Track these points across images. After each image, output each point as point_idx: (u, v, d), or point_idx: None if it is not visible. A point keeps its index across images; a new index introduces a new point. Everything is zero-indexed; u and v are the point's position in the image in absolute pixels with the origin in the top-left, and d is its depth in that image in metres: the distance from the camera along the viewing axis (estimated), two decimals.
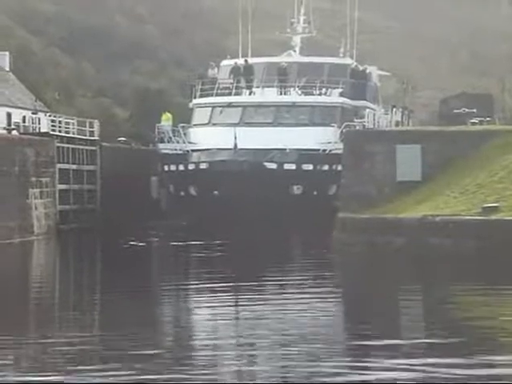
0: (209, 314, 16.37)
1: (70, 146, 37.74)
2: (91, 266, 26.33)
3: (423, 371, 10.99)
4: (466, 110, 34.35)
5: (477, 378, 10.67)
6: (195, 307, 17.68)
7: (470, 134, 30.74)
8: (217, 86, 39.56)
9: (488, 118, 35.19)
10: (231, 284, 20.36)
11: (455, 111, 34.22)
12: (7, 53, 42.77)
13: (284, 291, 19.10)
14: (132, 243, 30.84)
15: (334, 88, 39.08)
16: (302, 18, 43.76)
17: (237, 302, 18.15)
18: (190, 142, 37.90)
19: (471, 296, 18.05)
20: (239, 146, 34.72)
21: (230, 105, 38.73)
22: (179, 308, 17.58)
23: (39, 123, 37.98)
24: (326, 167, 36.05)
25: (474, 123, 33.59)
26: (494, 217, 24.78)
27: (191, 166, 36.55)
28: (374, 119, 37.37)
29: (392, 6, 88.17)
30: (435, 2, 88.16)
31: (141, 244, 31.01)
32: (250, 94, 39.17)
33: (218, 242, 30.20)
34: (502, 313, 15.82)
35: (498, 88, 49.09)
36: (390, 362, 11.50)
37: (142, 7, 79.55)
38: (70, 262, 27.98)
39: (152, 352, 12.33)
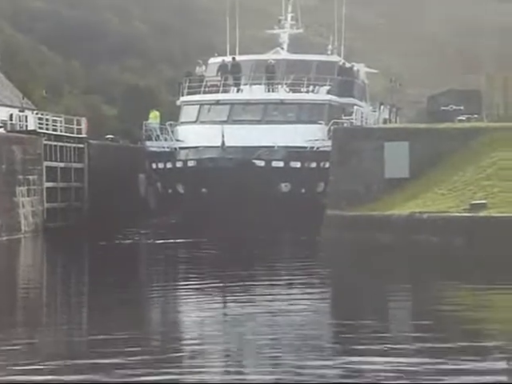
0: (195, 313, 16.33)
1: (58, 143, 37.58)
2: (78, 265, 26.23)
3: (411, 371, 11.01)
4: (454, 107, 34.38)
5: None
6: (182, 306, 17.63)
7: (457, 131, 30.80)
8: (204, 83, 39.49)
9: (476, 115, 35.23)
10: (219, 282, 20.31)
11: (443, 108, 34.24)
12: None
13: (271, 290, 19.05)
14: (119, 241, 30.76)
15: (322, 85, 39.07)
16: (289, 16, 43.70)
17: (225, 300, 18.12)
18: (177, 140, 37.81)
19: (459, 292, 18.07)
20: (227, 144, 34.66)
21: (217, 102, 38.66)
22: (166, 307, 17.52)
23: (26, 121, 37.79)
24: (313, 165, 36.03)
25: (461, 120, 33.63)
26: (481, 214, 24.84)
27: (179, 164, 36.46)
28: (361, 117, 37.37)
29: (380, 3, 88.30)
30: (423, 0, 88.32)
31: (128, 242, 30.92)
32: (237, 91, 39.12)
33: (205, 239, 30.16)
34: (489, 308, 15.86)
35: (486, 85, 49.18)
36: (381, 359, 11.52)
37: (131, 4, 79.36)
38: (57, 260, 27.87)
39: (139, 351, 12.28)
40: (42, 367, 11.48)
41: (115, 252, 28.48)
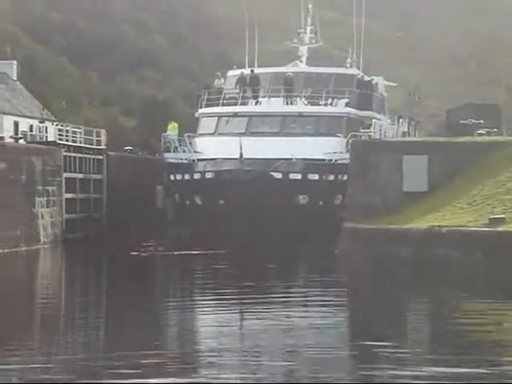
0: (212, 326, 16.31)
1: (77, 155, 37.78)
2: (97, 276, 26.30)
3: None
4: (473, 120, 34.20)
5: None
6: (200, 319, 17.61)
7: (476, 144, 30.67)
8: (223, 95, 39.59)
9: (495, 129, 35.04)
10: (237, 296, 20.29)
11: (462, 122, 34.07)
12: (14, 62, 42.90)
13: (289, 304, 19.00)
14: (138, 252, 30.82)
15: (341, 98, 39.05)
16: (308, 29, 43.77)
17: (242, 312, 18.09)
18: (195, 152, 37.89)
19: (478, 306, 17.96)
20: (245, 156, 34.69)
21: (236, 114, 38.73)
22: (183, 320, 17.51)
23: (46, 132, 38.05)
24: (331, 177, 35.98)
25: (480, 134, 33.47)
26: (500, 228, 24.69)
27: (197, 176, 36.52)
28: (380, 130, 37.31)
29: (399, 16, 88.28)
30: (442, 13, 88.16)
31: (146, 253, 30.98)
32: (256, 103, 39.19)
33: (223, 251, 30.15)
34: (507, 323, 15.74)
35: (505, 98, 48.99)
36: (394, 372, 11.45)
37: (149, 17, 79.79)
38: (76, 271, 27.95)
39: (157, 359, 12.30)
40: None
41: (133, 263, 28.53)
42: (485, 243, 24.34)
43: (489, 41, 78.97)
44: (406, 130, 41.98)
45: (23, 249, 31.51)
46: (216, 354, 13.20)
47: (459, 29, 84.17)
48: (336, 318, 17.12)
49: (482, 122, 34.26)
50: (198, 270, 26.87)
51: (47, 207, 34.05)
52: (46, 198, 34.00)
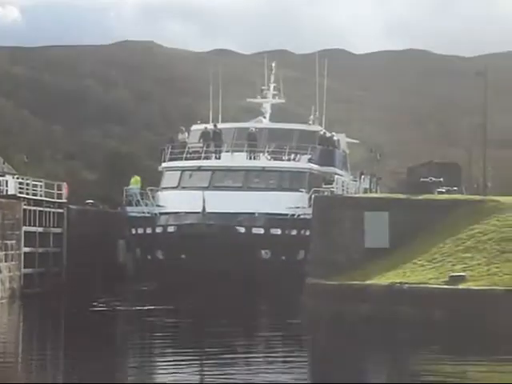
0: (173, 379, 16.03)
1: (37, 208, 37.36)
2: (55, 332, 25.80)
3: None
4: (433, 178, 34.58)
5: None
6: (160, 374, 17.30)
7: (437, 202, 30.95)
8: (186, 150, 39.68)
9: (455, 188, 35.45)
10: (197, 351, 20.01)
11: (422, 180, 34.44)
12: None
13: (249, 356, 18.77)
14: (97, 308, 30.35)
15: (303, 154, 39.37)
16: (272, 86, 44.31)
17: (201, 368, 17.82)
18: (158, 206, 37.76)
19: (436, 365, 17.89)
20: (207, 210, 34.63)
21: (199, 168, 38.80)
22: (143, 372, 17.19)
23: (6, 185, 37.61)
24: (294, 232, 36.02)
25: (441, 192, 33.82)
26: (461, 286, 24.80)
27: (159, 230, 36.32)
28: (342, 185, 37.59)
29: (362, 76, 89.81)
30: (404, 74, 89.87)
31: (105, 309, 30.52)
32: (219, 158, 39.32)
33: (184, 307, 29.80)
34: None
35: (465, 158, 49.74)
36: None
37: (114, 72, 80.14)
38: (34, 327, 27.40)
39: None
40: None
41: (91, 319, 28.07)
42: (445, 301, 24.39)
43: (447, 101, 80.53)
44: (367, 186, 42.33)
45: None
46: None
47: (420, 89, 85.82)
48: (295, 375, 16.94)
49: (442, 180, 34.65)
50: (158, 326, 26.50)
51: (5, 261, 33.50)
52: (4, 252, 33.45)
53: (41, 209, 37.64)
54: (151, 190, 38.41)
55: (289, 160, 39.06)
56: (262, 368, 17.41)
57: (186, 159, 39.32)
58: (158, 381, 16.74)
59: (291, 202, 36.57)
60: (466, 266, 26.06)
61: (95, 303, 31.22)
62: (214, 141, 39.66)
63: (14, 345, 22.58)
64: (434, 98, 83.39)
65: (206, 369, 17.66)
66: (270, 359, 18.90)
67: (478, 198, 32.18)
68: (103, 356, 19.27)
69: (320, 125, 43.07)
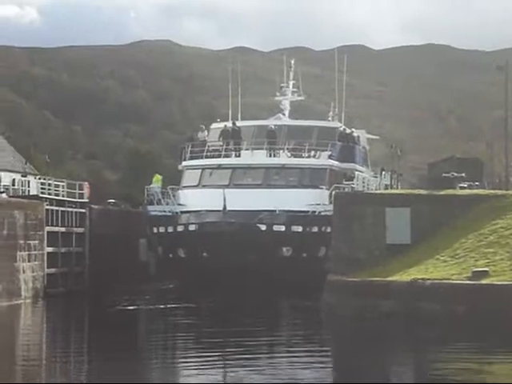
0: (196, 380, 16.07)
1: (59, 208, 37.59)
2: (79, 331, 25.94)
3: None
4: (455, 174, 34.40)
5: None
6: (184, 375, 17.36)
7: (459, 198, 30.78)
8: (206, 148, 39.77)
9: (477, 183, 35.25)
10: (219, 349, 20.05)
11: (444, 175, 34.26)
12: None
13: (272, 356, 18.78)
14: (119, 307, 30.49)
15: (323, 151, 39.31)
16: (291, 83, 44.28)
17: (225, 366, 17.86)
18: (179, 204, 37.86)
19: (460, 362, 17.81)
20: (228, 208, 34.67)
21: (219, 167, 38.86)
22: (167, 374, 17.26)
23: (29, 186, 37.87)
24: (315, 229, 35.98)
25: (462, 187, 33.64)
26: (483, 281, 24.66)
27: (180, 228, 36.41)
28: (363, 182, 37.49)
29: (382, 71, 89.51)
30: (424, 69, 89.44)
31: (128, 308, 30.65)
32: (238, 155, 39.36)
33: (206, 305, 29.86)
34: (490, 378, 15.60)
35: (486, 153, 49.47)
36: None
37: (133, 72, 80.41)
38: (57, 327, 27.56)
39: None
40: None
41: (114, 318, 28.19)
42: (468, 296, 24.27)
43: (467, 96, 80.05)
44: (388, 182, 42.20)
45: (4, 304, 31.10)
46: None
47: (441, 85, 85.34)
48: (319, 374, 16.93)
49: (463, 175, 34.46)
50: (181, 324, 26.58)
51: (28, 261, 33.74)
52: (27, 252, 33.69)
53: (63, 209, 37.87)
54: (172, 188, 38.52)
55: (309, 157, 39.03)
56: (285, 368, 17.41)
57: (206, 157, 39.42)
58: (181, 381, 16.79)
59: (312, 199, 36.53)
60: (488, 262, 25.90)
61: (118, 302, 31.36)
62: (233, 139, 39.72)
63: (37, 346, 22.72)
64: (454, 92, 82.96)
65: (228, 370, 17.69)
66: (293, 359, 18.88)
67: (500, 192, 31.99)
68: (128, 356, 19.34)
69: (339, 121, 43.00)
